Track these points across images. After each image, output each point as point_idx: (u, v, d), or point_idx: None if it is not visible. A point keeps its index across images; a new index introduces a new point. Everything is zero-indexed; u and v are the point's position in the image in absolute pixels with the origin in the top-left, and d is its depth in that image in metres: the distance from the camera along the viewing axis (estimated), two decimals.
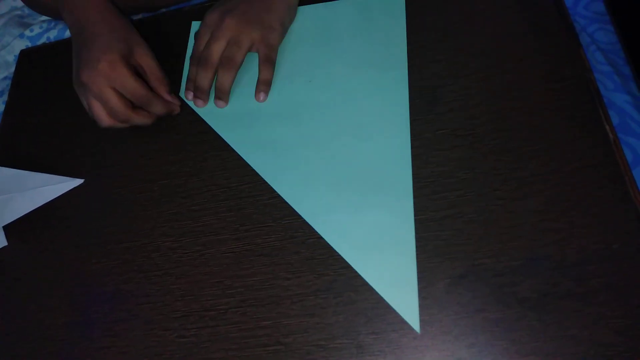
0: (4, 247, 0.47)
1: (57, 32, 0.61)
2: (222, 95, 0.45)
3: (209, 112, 0.46)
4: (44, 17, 0.63)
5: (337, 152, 0.41)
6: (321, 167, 0.41)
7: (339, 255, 0.38)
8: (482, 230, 0.36)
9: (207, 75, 0.45)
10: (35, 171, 0.49)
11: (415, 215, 0.37)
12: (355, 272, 0.37)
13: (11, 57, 0.62)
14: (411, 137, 0.40)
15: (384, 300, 0.36)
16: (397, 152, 0.40)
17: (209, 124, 0.46)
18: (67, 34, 0.60)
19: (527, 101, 0.39)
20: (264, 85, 0.45)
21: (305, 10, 0.49)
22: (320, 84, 0.45)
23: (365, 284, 0.37)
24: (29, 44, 0.62)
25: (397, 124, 0.41)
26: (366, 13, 0.47)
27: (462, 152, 0.39)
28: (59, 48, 0.57)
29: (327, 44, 0.47)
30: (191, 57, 0.47)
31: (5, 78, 0.62)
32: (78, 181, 0.48)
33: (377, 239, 0.38)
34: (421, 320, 0.35)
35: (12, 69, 0.59)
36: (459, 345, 0.34)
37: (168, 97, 0.46)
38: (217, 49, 0.44)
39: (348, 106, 0.43)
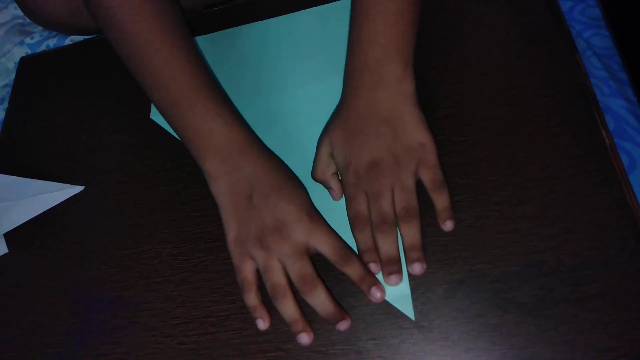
0: (4, 255, 0.47)
1: (56, 40, 0.61)
2: (419, 254, 0.35)
3: None
4: (45, 28, 0.63)
5: (312, 157, 0.42)
6: (301, 174, 0.41)
7: None
8: (479, 236, 0.36)
9: (393, 238, 0.36)
10: (35, 178, 0.49)
11: None
12: None
13: (11, 65, 0.62)
14: None
15: (383, 306, 0.36)
16: None
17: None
18: (67, 41, 0.61)
19: (523, 107, 0.40)
20: (447, 212, 0.36)
21: (267, 24, 0.50)
22: (291, 92, 0.45)
23: None
24: (29, 51, 0.62)
25: None
26: (325, 21, 0.48)
27: (458, 158, 0.39)
28: (59, 55, 0.57)
29: (293, 53, 0.47)
30: (352, 222, 0.37)
31: (5, 85, 0.62)
32: (78, 188, 0.48)
33: None
34: (420, 326, 0.35)
35: (13, 76, 0.59)
36: (457, 351, 0.34)
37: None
38: (388, 204, 0.36)
39: (320, 112, 0.43)
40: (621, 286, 0.33)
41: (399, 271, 0.35)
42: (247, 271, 0.37)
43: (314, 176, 0.41)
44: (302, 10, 0.49)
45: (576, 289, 0.33)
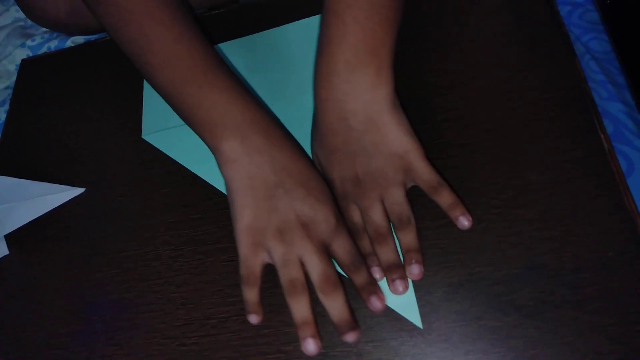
0: (5, 256, 0.47)
1: (57, 42, 0.61)
2: (417, 256, 0.35)
3: (173, 148, 0.46)
4: (45, 28, 0.63)
5: None
6: None
7: None
8: (479, 239, 0.36)
9: (391, 247, 0.36)
10: (36, 180, 0.49)
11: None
12: None
13: (12, 67, 0.62)
14: None
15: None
16: None
17: (179, 161, 0.45)
18: (68, 43, 0.61)
19: (523, 111, 0.40)
20: (455, 210, 0.35)
21: (255, 38, 0.50)
22: (284, 105, 0.45)
23: None
24: (30, 54, 0.62)
25: None
26: (313, 32, 0.47)
27: (459, 161, 0.39)
28: (60, 57, 0.57)
29: (284, 65, 0.47)
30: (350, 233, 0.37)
31: (7, 87, 0.62)
32: (79, 190, 0.48)
33: None
34: (420, 329, 0.35)
35: (14, 79, 0.59)
36: (457, 353, 0.34)
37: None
38: (380, 215, 0.36)
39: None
40: (621, 289, 0.33)
41: (403, 277, 0.35)
42: (256, 263, 0.35)
43: None
44: (292, 22, 0.49)
45: (576, 291, 0.34)
